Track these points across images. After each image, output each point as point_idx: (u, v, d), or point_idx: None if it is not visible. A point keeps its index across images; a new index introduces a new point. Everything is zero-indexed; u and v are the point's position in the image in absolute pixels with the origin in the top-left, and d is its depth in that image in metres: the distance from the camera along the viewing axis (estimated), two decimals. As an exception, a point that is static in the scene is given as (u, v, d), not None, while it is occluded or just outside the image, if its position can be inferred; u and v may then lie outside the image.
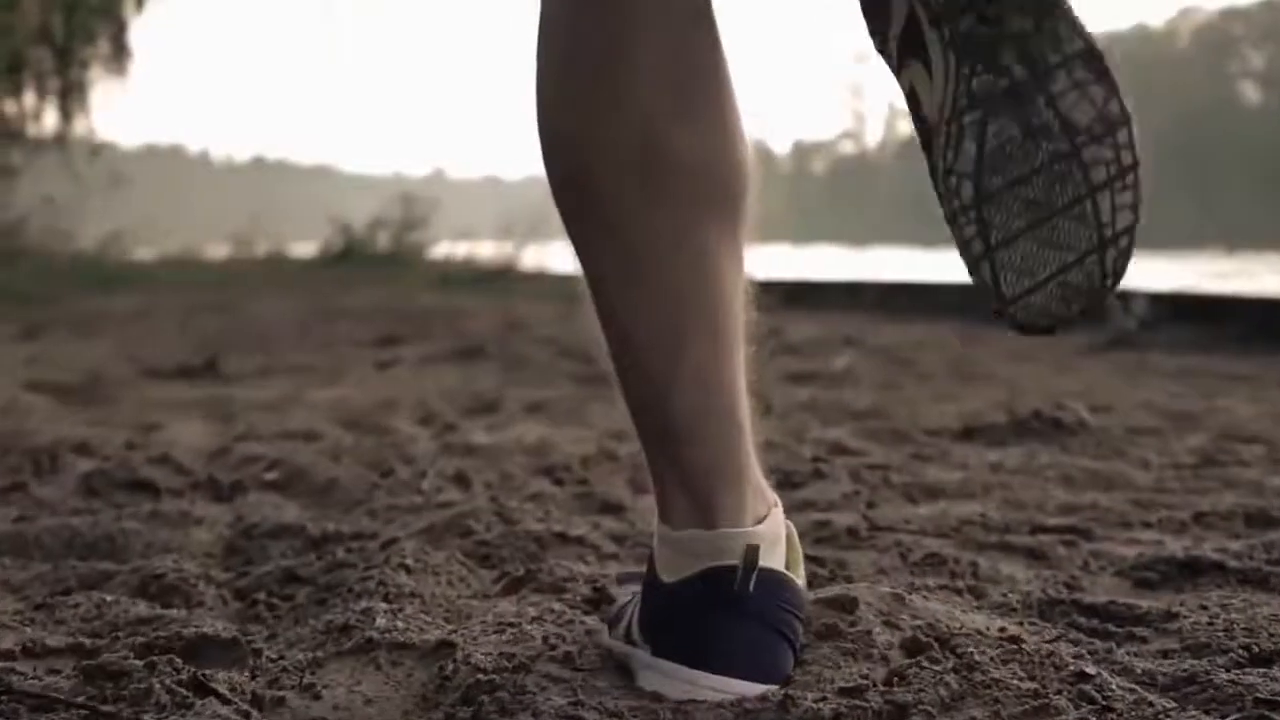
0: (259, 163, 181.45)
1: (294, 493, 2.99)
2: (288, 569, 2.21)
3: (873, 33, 1.64)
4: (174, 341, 7.78)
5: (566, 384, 5.64)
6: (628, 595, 1.84)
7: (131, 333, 8.67)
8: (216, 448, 3.52)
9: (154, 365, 6.25)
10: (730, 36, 1.67)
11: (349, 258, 18.34)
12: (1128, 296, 8.25)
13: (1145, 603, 2.03)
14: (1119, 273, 1.56)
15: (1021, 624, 1.89)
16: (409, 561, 2.14)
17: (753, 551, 1.62)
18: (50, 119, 21.24)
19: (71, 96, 21.27)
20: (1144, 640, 1.88)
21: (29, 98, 21.23)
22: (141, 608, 2.00)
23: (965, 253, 1.58)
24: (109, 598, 2.04)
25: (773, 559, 1.65)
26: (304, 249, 20.49)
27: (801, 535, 1.87)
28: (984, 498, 2.88)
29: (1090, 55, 1.54)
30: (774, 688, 1.59)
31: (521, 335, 7.65)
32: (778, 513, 1.71)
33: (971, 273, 1.58)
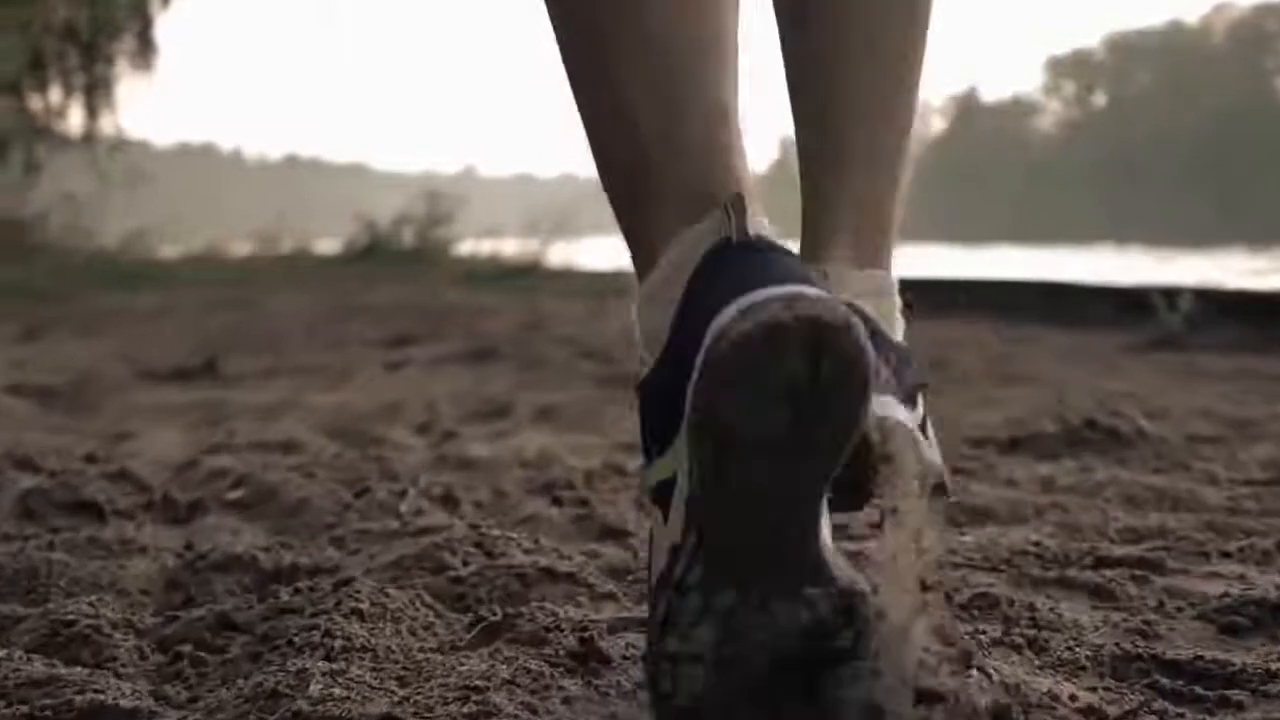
0: (292, 160, 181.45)
1: (257, 514, 2.66)
2: (224, 614, 1.88)
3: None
4: (179, 341, 7.47)
5: (583, 386, 5.33)
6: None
7: (138, 332, 8.37)
8: (184, 460, 3.19)
9: (150, 367, 5.95)
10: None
11: (373, 255, 18.09)
12: (1172, 294, 7.90)
13: (1237, 657, 1.70)
14: None
15: (1096, 689, 1.56)
16: (364, 605, 1.81)
17: (739, 200, 1.36)
18: (76, 116, 21.14)
19: (97, 93, 21.11)
20: (1240, 707, 1.56)
21: (55, 94, 21.13)
22: (38, 666, 1.67)
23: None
24: (3, 652, 1.71)
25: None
26: (330, 246, 20.29)
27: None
28: (1037, 521, 2.54)
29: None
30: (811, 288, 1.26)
31: (541, 335, 7.33)
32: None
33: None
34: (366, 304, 10.80)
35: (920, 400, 1.62)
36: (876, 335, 1.48)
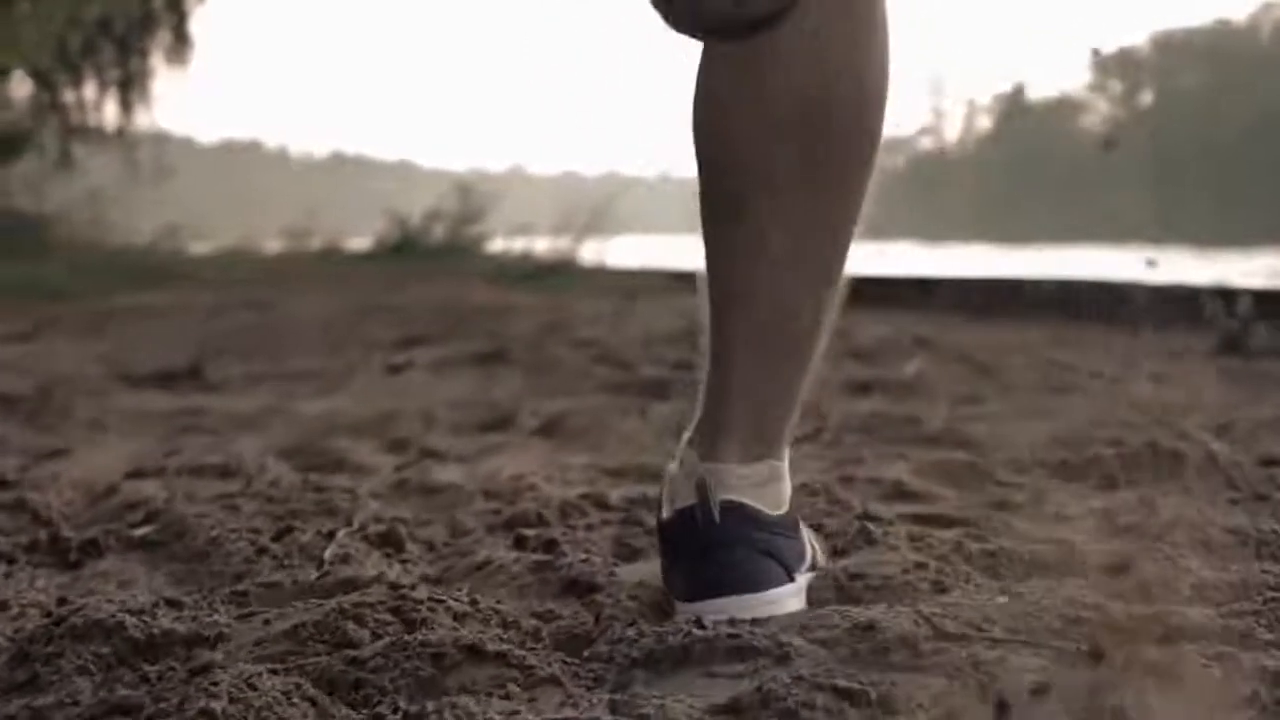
0: (337, 158, 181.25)
1: (161, 557, 2.23)
2: (43, 712, 1.45)
3: None
4: (179, 342, 7.06)
5: (593, 394, 4.91)
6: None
7: (141, 332, 7.98)
8: (103, 487, 2.76)
9: (132, 370, 5.54)
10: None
11: (404, 252, 17.69)
12: (1229, 295, 7.45)
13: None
14: None
15: None
16: (221, 704, 1.38)
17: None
18: (110, 111, 20.89)
19: (132, 87, 20.88)
20: None
21: (89, 89, 20.89)
22: None
23: None
24: None
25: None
26: (363, 243, 19.92)
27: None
28: (1095, 573, 2.09)
29: None
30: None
31: (559, 337, 6.89)
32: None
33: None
34: (387, 303, 10.39)
35: (809, 553, 1.97)
36: (755, 521, 1.84)
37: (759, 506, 1.85)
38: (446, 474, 2.92)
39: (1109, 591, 1.97)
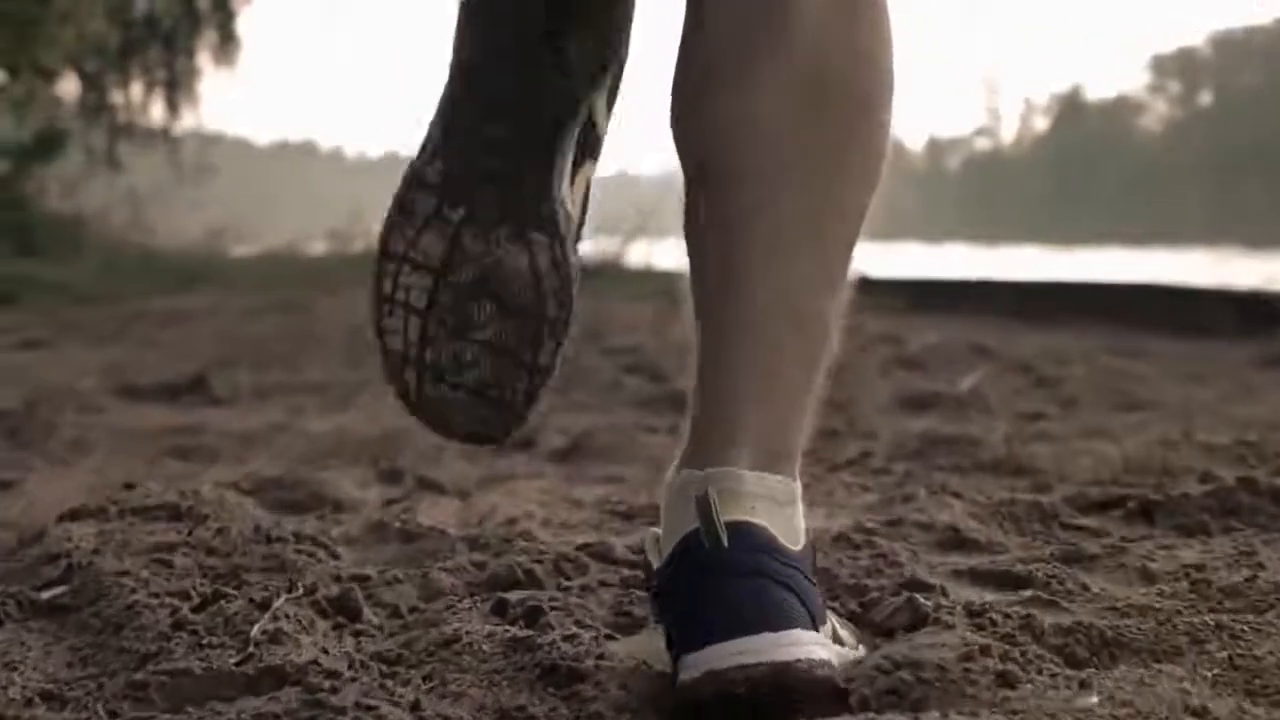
0: (392, 158, 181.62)
1: (66, 628, 1.84)
2: None
3: None
4: (197, 350, 6.72)
5: (623, 409, 4.57)
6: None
7: (161, 337, 7.65)
8: (32, 532, 2.39)
9: (135, 382, 5.19)
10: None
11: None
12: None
13: None
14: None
15: None
16: None
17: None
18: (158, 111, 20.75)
19: (178, 87, 20.77)
20: None
21: (136, 88, 20.75)
22: None
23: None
24: None
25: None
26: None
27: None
28: (1194, 657, 1.70)
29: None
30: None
31: (594, 345, 6.51)
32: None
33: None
34: (423, 307, 10.04)
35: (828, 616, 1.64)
36: (771, 550, 1.54)
37: (775, 534, 1.55)
38: (437, 512, 2.55)
39: (1218, 684, 1.59)
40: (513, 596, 1.92)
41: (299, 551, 2.10)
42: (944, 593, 1.92)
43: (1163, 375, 5.56)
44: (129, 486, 2.69)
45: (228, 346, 6.86)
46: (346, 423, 4.41)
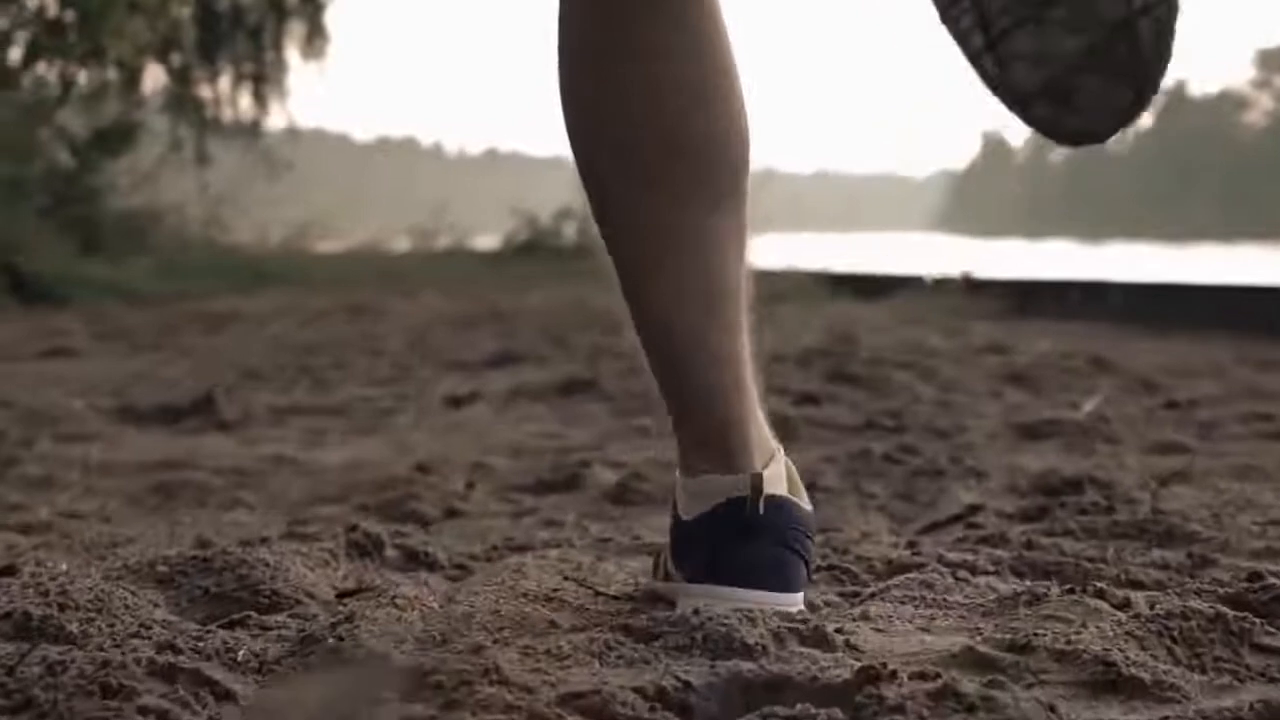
0: (492, 154, 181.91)
1: None
2: None
3: None
4: (229, 361, 6.14)
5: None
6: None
7: (197, 345, 7.07)
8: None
9: (134, 403, 4.58)
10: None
11: (532, 252, 16.88)
12: None
13: None
14: (1163, 48, 1.49)
15: None
16: None
17: (758, 479, 1.78)
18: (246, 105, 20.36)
19: (265, 81, 20.40)
20: None
21: (224, 82, 20.38)
22: None
23: (965, 48, 1.54)
24: None
25: (776, 488, 1.81)
26: (492, 242, 19.17)
27: None
28: None
29: None
30: (795, 595, 1.80)
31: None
32: (780, 455, 1.86)
33: (976, 70, 1.52)
34: (496, 309, 9.46)
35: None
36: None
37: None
38: (400, 615, 1.88)
39: None
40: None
41: (168, 699, 1.44)
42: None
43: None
44: (40, 542, 2.05)
45: (267, 356, 6.27)
46: (366, 453, 3.81)
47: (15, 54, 15.01)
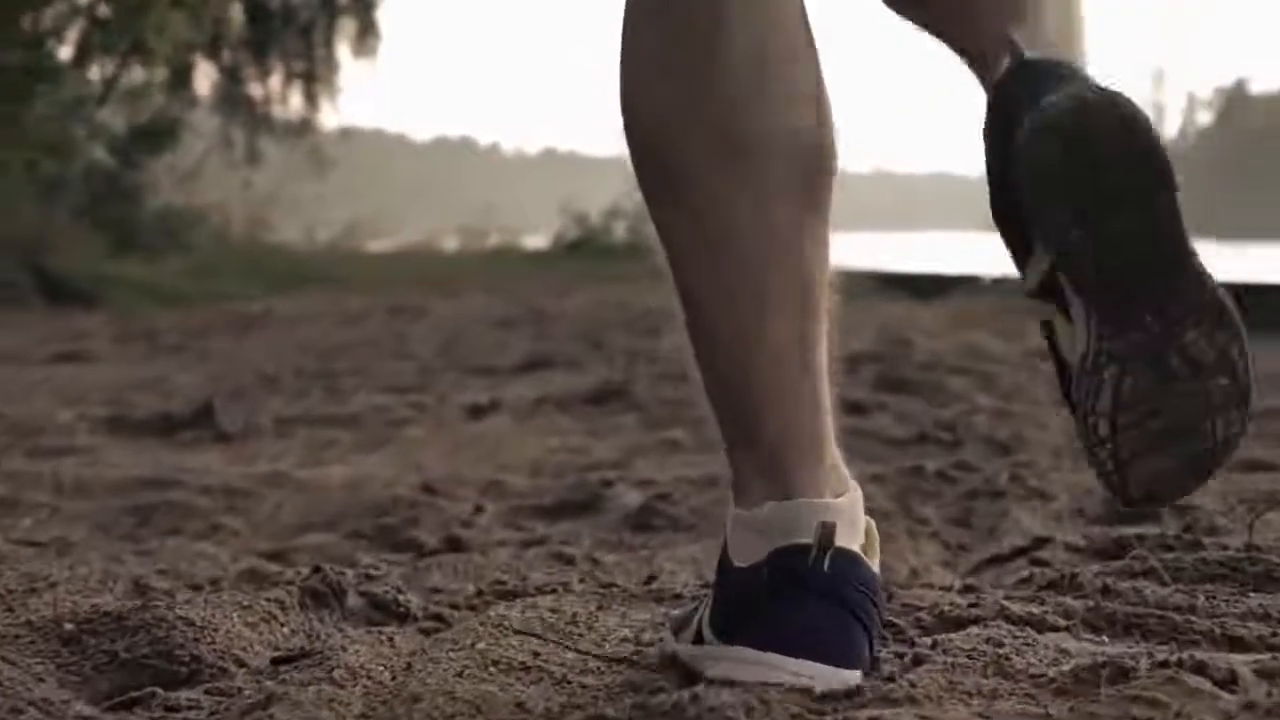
0: (549, 154, 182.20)
1: None
2: None
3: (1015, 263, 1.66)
4: (251, 366, 5.84)
5: (716, 455, 3.57)
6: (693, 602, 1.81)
7: (221, 349, 6.79)
8: None
9: (128, 415, 4.27)
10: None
11: (581, 251, 16.61)
12: None
13: None
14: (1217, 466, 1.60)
15: None
16: None
17: (829, 529, 1.57)
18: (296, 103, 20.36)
19: (316, 80, 20.39)
20: None
21: (275, 81, 20.36)
22: None
23: (1097, 467, 1.57)
24: None
25: (848, 540, 1.59)
26: (542, 241, 18.99)
27: None
28: None
29: (1214, 306, 1.56)
30: (851, 673, 1.53)
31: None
32: (856, 494, 1.64)
33: (1099, 477, 1.58)
34: (536, 310, 9.14)
35: None
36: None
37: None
38: (341, 689, 1.53)
39: None
40: None
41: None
42: None
43: None
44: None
45: (287, 360, 5.97)
46: (371, 470, 3.52)
47: (65, 52, 14.84)
